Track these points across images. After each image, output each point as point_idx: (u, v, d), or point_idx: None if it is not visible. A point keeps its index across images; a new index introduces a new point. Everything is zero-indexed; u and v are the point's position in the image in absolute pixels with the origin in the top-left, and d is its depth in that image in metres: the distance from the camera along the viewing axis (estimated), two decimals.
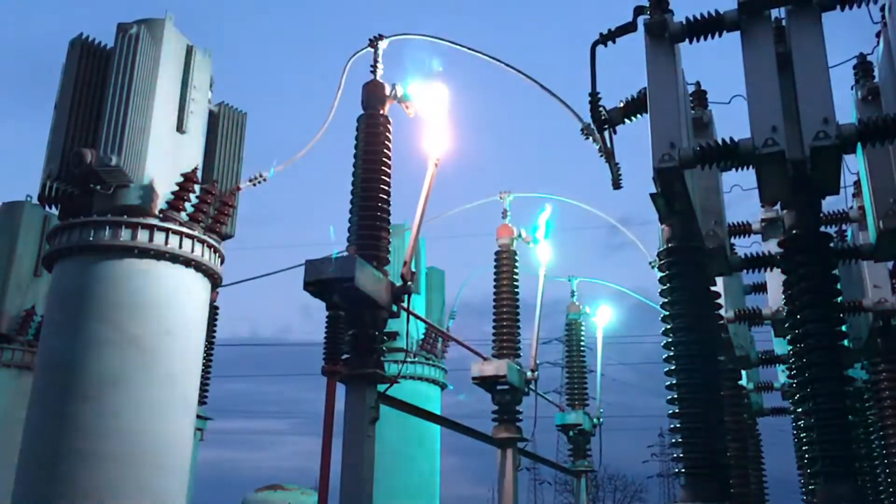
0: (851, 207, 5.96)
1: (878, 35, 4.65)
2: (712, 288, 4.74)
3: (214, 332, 9.26)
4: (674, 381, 4.18)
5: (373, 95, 5.48)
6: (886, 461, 5.71)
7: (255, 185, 6.96)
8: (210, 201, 6.62)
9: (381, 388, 5.11)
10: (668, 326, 4.28)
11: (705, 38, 4.17)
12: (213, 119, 7.16)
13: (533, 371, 7.37)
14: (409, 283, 5.17)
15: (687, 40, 4.18)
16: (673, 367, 4.21)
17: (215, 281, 6.81)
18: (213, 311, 9.04)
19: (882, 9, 4.31)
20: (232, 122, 7.33)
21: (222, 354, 10.63)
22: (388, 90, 5.47)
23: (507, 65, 5.77)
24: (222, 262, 6.83)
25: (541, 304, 8.08)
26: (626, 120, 4.42)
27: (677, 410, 4.11)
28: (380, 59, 5.60)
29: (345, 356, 5.15)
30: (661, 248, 4.50)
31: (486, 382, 6.88)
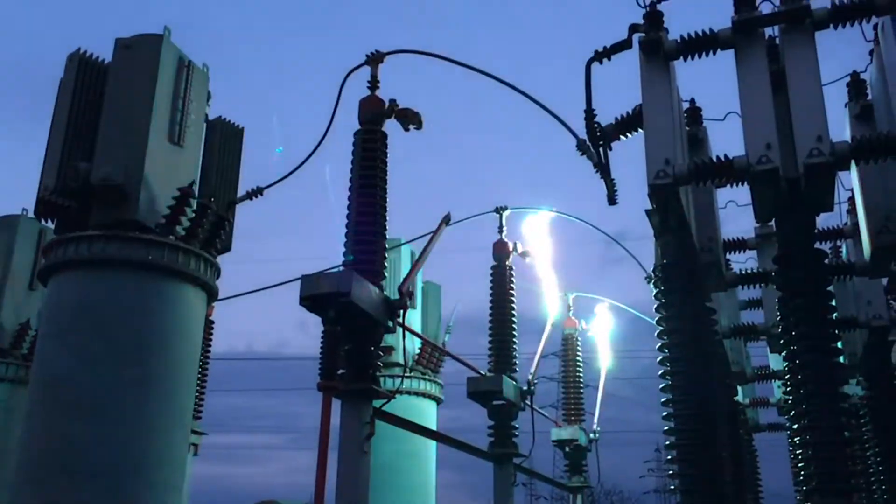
0: (846, 223, 5.99)
1: (871, 53, 4.70)
2: (708, 303, 4.76)
3: (210, 346, 9.24)
4: (670, 398, 4.18)
5: (369, 111, 5.50)
6: (882, 477, 5.71)
7: (252, 198, 6.98)
8: (207, 215, 6.63)
9: (377, 403, 5.10)
10: (664, 342, 4.29)
11: (700, 56, 4.20)
12: (210, 133, 7.18)
13: (530, 385, 7.36)
14: (406, 297, 5.17)
15: (682, 58, 4.22)
16: (669, 383, 4.21)
17: (211, 295, 6.80)
18: (209, 325, 9.03)
19: (875, 27, 4.35)
20: (229, 137, 7.36)
21: (218, 368, 10.59)
22: (385, 106, 5.50)
23: (504, 82, 5.80)
24: (218, 276, 6.83)
25: (546, 335, 8.11)
26: (622, 136, 4.45)
27: (673, 427, 4.11)
28: (377, 76, 5.63)
29: (340, 371, 5.14)
30: (657, 264, 4.52)
31: (481, 397, 6.87)
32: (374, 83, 5.62)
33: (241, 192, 7.16)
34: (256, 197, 6.97)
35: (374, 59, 5.69)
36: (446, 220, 5.89)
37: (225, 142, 7.32)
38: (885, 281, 5.72)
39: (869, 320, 5.68)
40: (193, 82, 6.87)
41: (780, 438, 9.94)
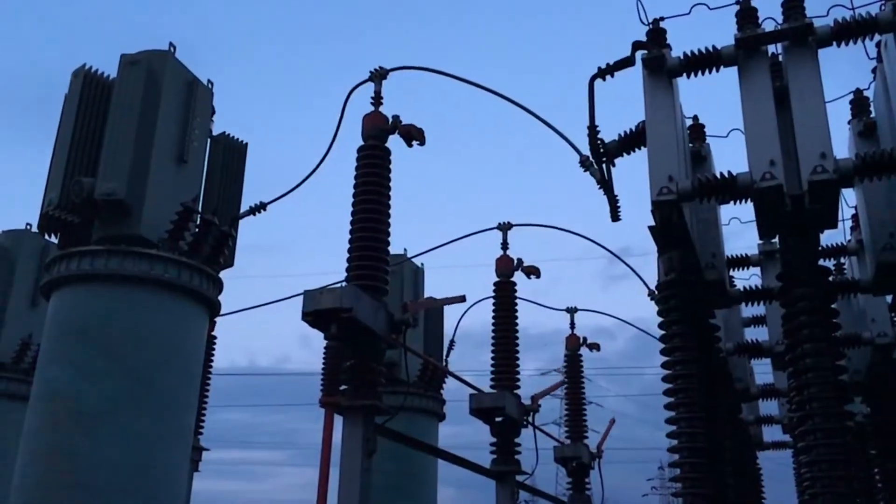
0: (850, 241, 5.98)
1: (873, 71, 4.71)
2: (711, 321, 4.74)
3: (212, 361, 9.21)
4: (674, 416, 4.16)
5: (373, 127, 5.51)
6: (888, 495, 5.66)
7: (255, 214, 6.98)
8: (209, 231, 6.63)
9: (380, 419, 5.08)
10: (668, 360, 4.27)
11: (703, 73, 4.21)
12: (213, 149, 7.20)
13: (533, 403, 7.33)
14: (409, 314, 5.17)
15: (685, 75, 4.23)
16: (673, 401, 4.19)
17: (214, 310, 6.79)
18: (211, 340, 9.01)
19: (878, 45, 4.36)
20: (232, 152, 7.38)
21: (220, 384, 10.57)
22: (388, 122, 5.51)
23: (507, 98, 5.81)
24: (221, 292, 6.82)
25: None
26: (625, 153, 4.45)
27: (678, 445, 4.09)
28: (380, 92, 5.65)
29: (343, 387, 5.12)
30: (660, 281, 4.51)
31: (484, 414, 6.84)
32: (377, 99, 5.64)
33: (244, 207, 7.17)
34: (259, 212, 6.97)
35: (378, 76, 5.71)
36: (461, 299, 6.16)
37: (228, 157, 7.34)
38: (889, 298, 5.70)
39: (873, 338, 5.65)
40: (198, 99, 6.90)
41: (785, 456, 9.88)
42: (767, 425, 8.91)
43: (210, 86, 7.12)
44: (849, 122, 5.06)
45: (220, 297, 6.81)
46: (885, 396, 5.79)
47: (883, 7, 3.92)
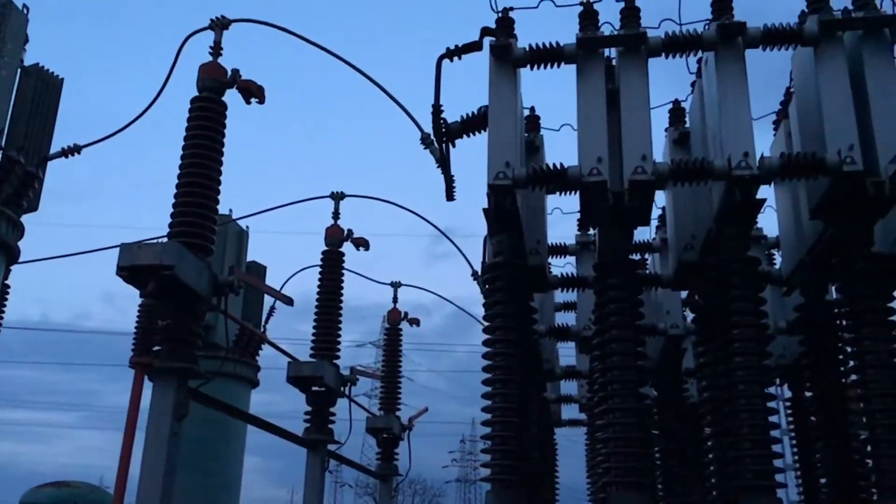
0: (654, 239, 6.51)
1: (692, 84, 5.13)
2: (530, 303, 4.99)
3: (2, 312, 8.43)
4: (490, 391, 4.34)
5: (209, 79, 5.24)
6: (665, 472, 6.26)
7: (67, 156, 6.44)
8: (13, 170, 6.06)
9: (194, 383, 4.89)
10: (489, 338, 4.44)
11: (545, 67, 4.39)
12: (24, 81, 6.58)
13: (352, 374, 7.37)
14: (234, 277, 5.01)
15: (529, 66, 4.39)
16: (490, 377, 4.37)
17: (11, 257, 6.23)
18: (4, 289, 8.24)
19: (699, 61, 4.75)
20: (46, 87, 6.77)
21: (7, 338, 9.70)
22: (226, 75, 5.26)
23: (355, 67, 5.75)
24: (21, 237, 6.27)
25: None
26: (466, 135, 4.56)
27: (492, 418, 4.28)
28: (220, 42, 5.38)
29: (156, 348, 4.88)
30: (488, 262, 4.68)
31: (301, 383, 6.78)
32: (216, 50, 5.36)
33: (55, 148, 6.62)
34: (72, 155, 6.43)
35: (219, 25, 5.43)
36: (289, 302, 6.09)
37: (40, 92, 6.74)
38: (683, 294, 6.27)
39: (667, 328, 6.21)
40: (9, 23, 6.25)
41: (577, 433, 10.63)
42: (566, 404, 9.55)
43: (25, 11, 6.46)
44: (666, 130, 5.49)
45: (19, 243, 6.26)
46: (671, 382, 6.38)
47: (707, 27, 4.27)
